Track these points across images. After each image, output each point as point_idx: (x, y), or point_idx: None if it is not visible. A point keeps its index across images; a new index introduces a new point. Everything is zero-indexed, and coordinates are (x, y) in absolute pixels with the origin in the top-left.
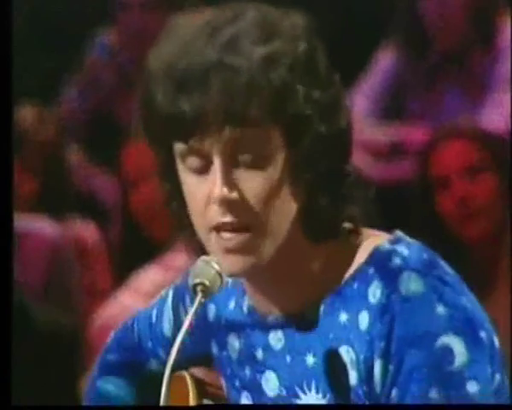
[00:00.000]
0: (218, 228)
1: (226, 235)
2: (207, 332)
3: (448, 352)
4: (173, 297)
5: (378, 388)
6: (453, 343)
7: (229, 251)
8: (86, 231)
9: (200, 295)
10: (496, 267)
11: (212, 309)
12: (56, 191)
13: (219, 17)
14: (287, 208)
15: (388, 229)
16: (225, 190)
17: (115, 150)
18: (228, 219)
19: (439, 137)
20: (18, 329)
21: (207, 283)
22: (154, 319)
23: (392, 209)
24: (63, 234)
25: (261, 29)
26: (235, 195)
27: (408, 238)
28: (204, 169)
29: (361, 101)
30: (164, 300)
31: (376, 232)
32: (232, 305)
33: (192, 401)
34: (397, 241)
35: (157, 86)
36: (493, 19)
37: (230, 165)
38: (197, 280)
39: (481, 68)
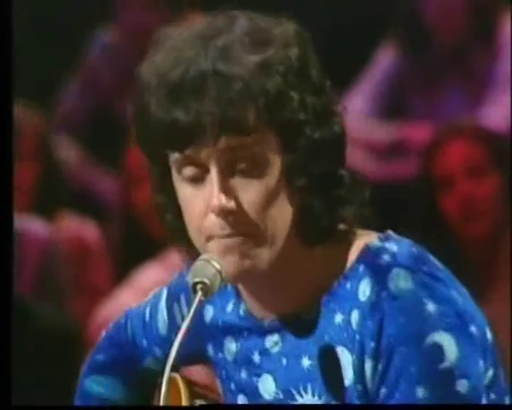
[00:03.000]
0: (217, 236)
1: (224, 240)
2: (204, 334)
3: (438, 350)
4: (167, 297)
5: (369, 387)
6: (443, 341)
7: (227, 252)
8: (87, 229)
9: (200, 293)
10: (496, 266)
11: (209, 311)
12: (54, 190)
13: (211, 26)
14: (283, 214)
15: (389, 228)
16: (223, 199)
17: (116, 149)
18: (226, 231)
19: (442, 137)
20: (18, 328)
21: (207, 281)
22: (147, 317)
23: (393, 208)
24: (58, 234)
25: (253, 37)
26: (232, 204)
27: (397, 236)
28: (200, 178)
29: (362, 100)
30: (157, 299)
31: (369, 231)
32: (230, 308)
33: (184, 402)
34: (386, 238)
35: (151, 97)
36: (493, 16)
37: (227, 173)
38: (197, 279)
39: (482, 66)
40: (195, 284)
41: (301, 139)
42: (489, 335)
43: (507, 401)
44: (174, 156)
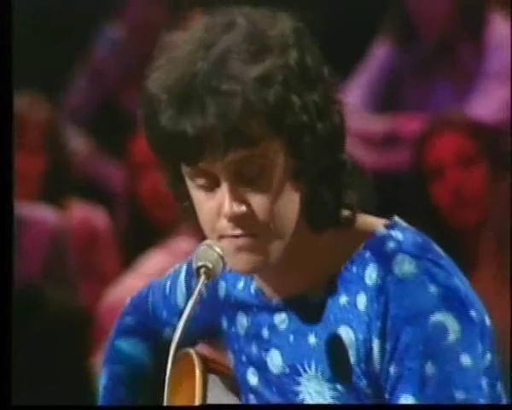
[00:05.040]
0: (228, 236)
1: (236, 239)
2: (218, 308)
3: (441, 328)
4: (186, 273)
5: (377, 366)
6: (446, 320)
7: (239, 250)
8: (95, 216)
9: (203, 277)
10: (482, 251)
11: (222, 287)
12: (63, 179)
13: (210, 32)
14: (291, 208)
15: (383, 215)
16: (234, 206)
17: (122, 139)
18: (237, 232)
19: (433, 129)
20: (28, 310)
21: (210, 265)
22: (167, 291)
23: (386, 196)
24: (65, 221)
25: (251, 43)
26: (243, 208)
27: (403, 223)
28: (212, 187)
29: (358, 92)
30: (177, 274)
31: (374, 218)
32: (241, 285)
33: (198, 376)
34: (392, 226)
35: (159, 110)
36: (481, 13)
37: (237, 183)
38: (200, 263)
39: (470, 60)
40: (199, 267)
41: (305, 138)
42: (487, 322)
43: (498, 386)
44: (185, 168)
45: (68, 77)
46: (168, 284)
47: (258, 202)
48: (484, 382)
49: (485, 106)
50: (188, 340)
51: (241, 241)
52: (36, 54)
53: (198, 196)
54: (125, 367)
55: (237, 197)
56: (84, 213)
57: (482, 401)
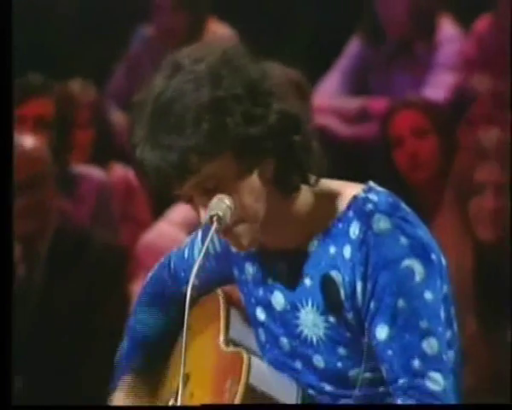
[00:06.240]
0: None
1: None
2: (230, 260)
3: (410, 271)
4: (202, 235)
5: (360, 302)
6: (413, 264)
7: (232, 237)
8: (131, 176)
9: (215, 223)
10: (435, 204)
11: None
12: (106, 147)
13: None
14: (255, 197)
15: (357, 176)
16: (206, 216)
17: None
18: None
19: (395, 108)
20: (81, 247)
21: (221, 214)
22: (186, 255)
23: (359, 161)
24: (109, 178)
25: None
26: (216, 212)
27: (377, 187)
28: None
29: (336, 78)
30: (193, 239)
31: (355, 184)
32: None
33: (222, 307)
34: (369, 190)
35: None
36: (433, 17)
37: (202, 197)
38: (213, 212)
39: (424, 55)
40: (212, 216)
41: (245, 145)
42: (443, 261)
43: (451, 311)
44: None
45: (111, 67)
46: (186, 249)
47: (223, 206)
48: (442, 312)
49: (436, 90)
50: (208, 289)
51: (228, 231)
52: (86, 49)
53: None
54: (143, 334)
55: (209, 204)
56: (123, 173)
57: (440, 330)
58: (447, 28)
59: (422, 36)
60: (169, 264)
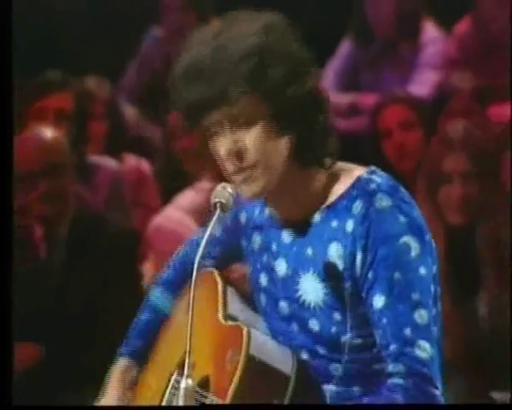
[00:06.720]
0: (234, 173)
1: (238, 175)
2: (239, 231)
3: (407, 247)
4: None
5: (358, 272)
6: (410, 241)
7: (244, 181)
8: (142, 165)
9: (218, 209)
10: (418, 189)
11: (243, 215)
12: (120, 138)
13: (205, 38)
14: (278, 148)
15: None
16: (231, 145)
17: (162, 110)
18: (237, 166)
19: (384, 103)
20: (94, 229)
21: (224, 201)
22: (199, 241)
23: (350, 151)
24: (121, 167)
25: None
26: (238, 145)
27: (379, 171)
28: (218, 134)
29: (330, 76)
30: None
31: (354, 166)
32: (257, 211)
33: (220, 287)
34: (372, 172)
35: (178, 84)
36: (417, 19)
37: (231, 130)
38: (216, 199)
39: (409, 54)
40: (215, 203)
41: (277, 98)
42: (433, 243)
43: (438, 290)
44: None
45: (124, 64)
46: (200, 236)
47: (249, 142)
48: (432, 287)
49: (421, 87)
50: (220, 262)
51: (243, 175)
52: (101, 48)
53: (214, 144)
54: (155, 314)
55: (232, 139)
56: (135, 163)
57: (430, 303)
58: (430, 31)
59: (408, 37)
60: (185, 252)
